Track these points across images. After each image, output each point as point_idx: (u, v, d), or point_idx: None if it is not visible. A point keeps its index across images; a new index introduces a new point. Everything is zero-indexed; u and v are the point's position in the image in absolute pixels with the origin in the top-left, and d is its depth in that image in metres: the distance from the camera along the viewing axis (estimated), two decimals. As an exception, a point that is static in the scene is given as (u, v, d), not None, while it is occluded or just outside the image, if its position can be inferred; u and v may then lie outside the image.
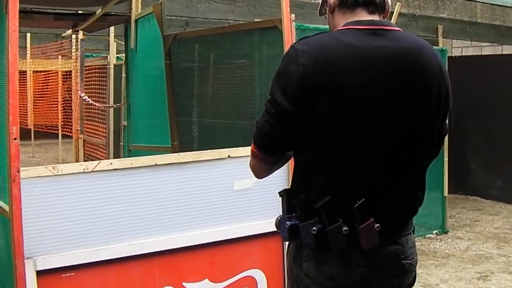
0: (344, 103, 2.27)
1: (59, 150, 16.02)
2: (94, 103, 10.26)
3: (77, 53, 10.67)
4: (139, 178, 3.79)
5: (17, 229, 3.30)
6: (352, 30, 2.38)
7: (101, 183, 3.66)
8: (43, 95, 16.61)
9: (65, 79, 15.52)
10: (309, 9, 7.39)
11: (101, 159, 9.56)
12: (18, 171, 3.30)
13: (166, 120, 6.32)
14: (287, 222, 2.42)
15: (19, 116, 3.42)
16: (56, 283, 3.55)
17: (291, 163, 2.58)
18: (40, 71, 16.45)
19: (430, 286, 6.51)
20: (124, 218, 3.73)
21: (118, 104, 9.88)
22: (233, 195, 4.06)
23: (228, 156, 4.05)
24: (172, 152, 5.58)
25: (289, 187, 2.52)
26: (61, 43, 12.62)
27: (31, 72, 16.33)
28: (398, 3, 7.67)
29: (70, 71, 12.68)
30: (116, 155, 9.92)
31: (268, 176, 2.66)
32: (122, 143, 9.90)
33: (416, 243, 2.58)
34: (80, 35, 9.88)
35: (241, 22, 7.20)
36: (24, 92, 16.32)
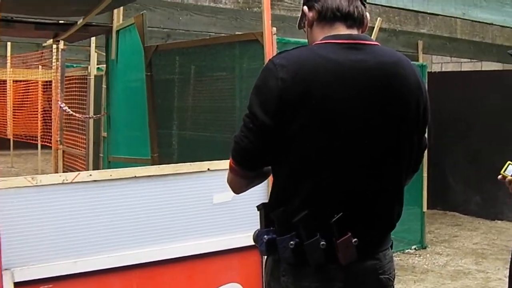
0: (324, 117, 2.28)
1: (38, 160, 15.93)
2: (74, 113, 10.22)
3: (57, 63, 10.61)
4: (118, 190, 3.77)
5: (-6, 241, 3.28)
6: (330, 44, 2.38)
7: (80, 194, 3.64)
8: (23, 105, 16.53)
9: (45, 89, 15.44)
10: (290, 23, 7.39)
11: (81, 170, 9.51)
12: (-4, 181, 3.28)
13: (146, 132, 6.31)
14: (265, 236, 2.42)
15: (-1, 126, 3.40)
16: (34, 295, 3.52)
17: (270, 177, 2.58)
18: (20, 81, 16.36)
19: (408, 301, 6.53)
20: (103, 230, 3.71)
21: (98, 115, 9.85)
22: (213, 208, 4.05)
23: (208, 169, 4.05)
24: (152, 164, 5.57)
25: (268, 201, 2.53)
26: (42, 52, 12.57)
27: (11, 81, 16.24)
28: (378, 18, 7.70)
29: (51, 81, 12.61)
30: (96, 167, 9.87)
31: (248, 190, 2.65)
32: (101, 155, 9.86)
33: (395, 258, 2.59)
34: (61, 45, 9.84)
35: (223, 34, 7.20)
36: (4, 102, 16.26)
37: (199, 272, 4.04)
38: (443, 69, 13.01)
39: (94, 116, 10.02)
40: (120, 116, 7.16)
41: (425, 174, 8.68)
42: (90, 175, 3.72)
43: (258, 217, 2.51)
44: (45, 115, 14.97)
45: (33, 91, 15.86)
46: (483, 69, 12.22)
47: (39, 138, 15.42)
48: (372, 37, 6.66)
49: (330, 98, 2.28)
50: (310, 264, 2.32)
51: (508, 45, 9.22)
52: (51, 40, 8.67)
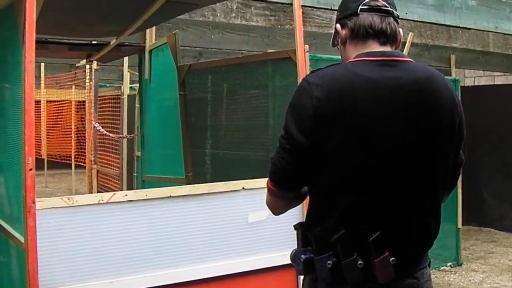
0: (358, 135, 2.27)
1: (72, 180, 16.06)
2: (107, 133, 10.30)
3: (91, 83, 10.74)
4: (153, 210, 3.79)
5: (32, 261, 3.28)
6: (364, 62, 2.38)
7: (116, 214, 3.66)
8: (57, 125, 16.70)
9: (78, 109, 15.61)
10: (321, 40, 7.41)
11: (115, 190, 9.59)
12: (34, 202, 3.28)
13: (180, 151, 6.32)
14: (302, 256, 2.41)
15: (33, 146, 3.43)
16: (71, 315, 3.54)
17: (307, 196, 2.57)
18: (54, 101, 16.54)
19: (445, 319, 6.46)
20: (139, 250, 3.73)
21: (132, 135, 9.90)
22: (248, 227, 4.05)
23: (243, 188, 4.05)
24: (186, 184, 5.58)
25: (304, 220, 2.52)
26: (75, 73, 12.71)
27: (45, 101, 16.40)
28: (410, 33, 7.69)
29: (84, 101, 12.76)
30: (130, 186, 9.92)
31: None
32: (135, 174, 9.90)
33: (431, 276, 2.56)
34: (94, 65, 9.95)
35: (255, 52, 7.23)
36: (38, 122, 16.38)
37: (235, 291, 4.04)
38: (476, 83, 12.92)
39: (128, 135, 10.07)
40: (154, 135, 7.18)
41: (459, 190, 8.57)
42: (126, 195, 3.75)
43: (295, 236, 2.50)
44: (78, 134, 15.12)
45: (66, 111, 16.03)
46: (516, 82, 12.12)
47: (73, 157, 15.56)
48: (404, 52, 6.64)
49: (364, 116, 2.27)
50: (348, 283, 2.30)
51: (541, 58, 9.16)
52: (84, 60, 8.74)
